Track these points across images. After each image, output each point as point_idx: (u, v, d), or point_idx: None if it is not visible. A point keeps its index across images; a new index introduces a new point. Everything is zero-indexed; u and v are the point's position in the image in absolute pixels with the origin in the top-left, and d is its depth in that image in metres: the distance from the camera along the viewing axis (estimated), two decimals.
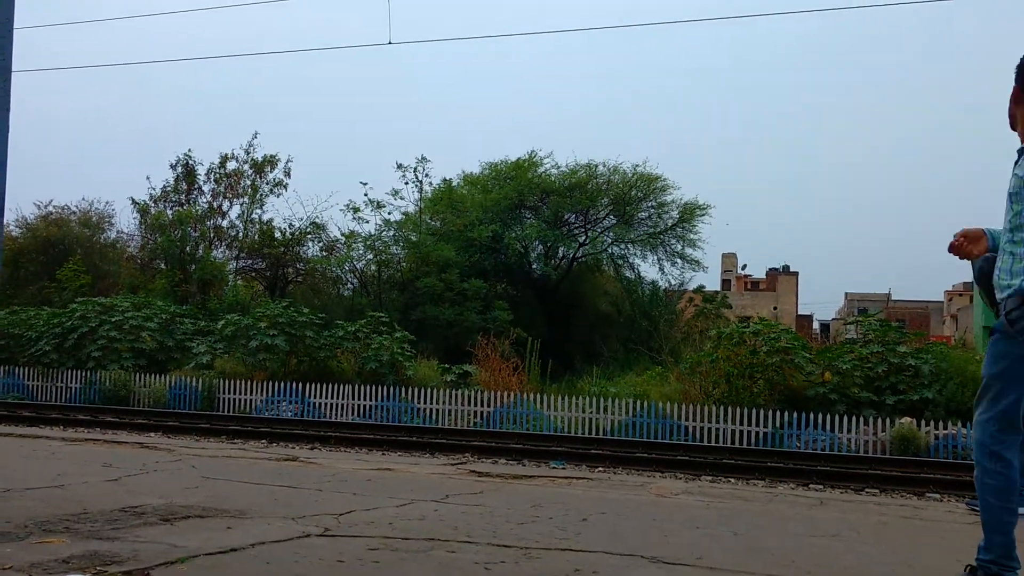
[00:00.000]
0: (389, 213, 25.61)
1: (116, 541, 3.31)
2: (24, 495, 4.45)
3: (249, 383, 16.07)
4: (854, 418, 12.35)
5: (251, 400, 15.90)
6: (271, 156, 26.12)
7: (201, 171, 25.76)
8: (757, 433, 12.69)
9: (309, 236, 26.42)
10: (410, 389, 15.14)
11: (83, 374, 17.27)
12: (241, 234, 26.17)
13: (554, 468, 9.11)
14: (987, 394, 3.00)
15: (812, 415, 12.51)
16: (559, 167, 26.57)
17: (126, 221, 33.01)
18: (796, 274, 58.74)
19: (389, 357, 16.23)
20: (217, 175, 25.72)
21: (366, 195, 25.61)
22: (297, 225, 26.18)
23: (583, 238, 26.73)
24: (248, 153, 25.91)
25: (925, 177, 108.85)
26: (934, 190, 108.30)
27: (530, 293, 26.39)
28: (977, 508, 5.68)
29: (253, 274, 27.07)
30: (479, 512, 4.53)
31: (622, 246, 27.28)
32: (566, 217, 26.64)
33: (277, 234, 26.12)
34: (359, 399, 15.22)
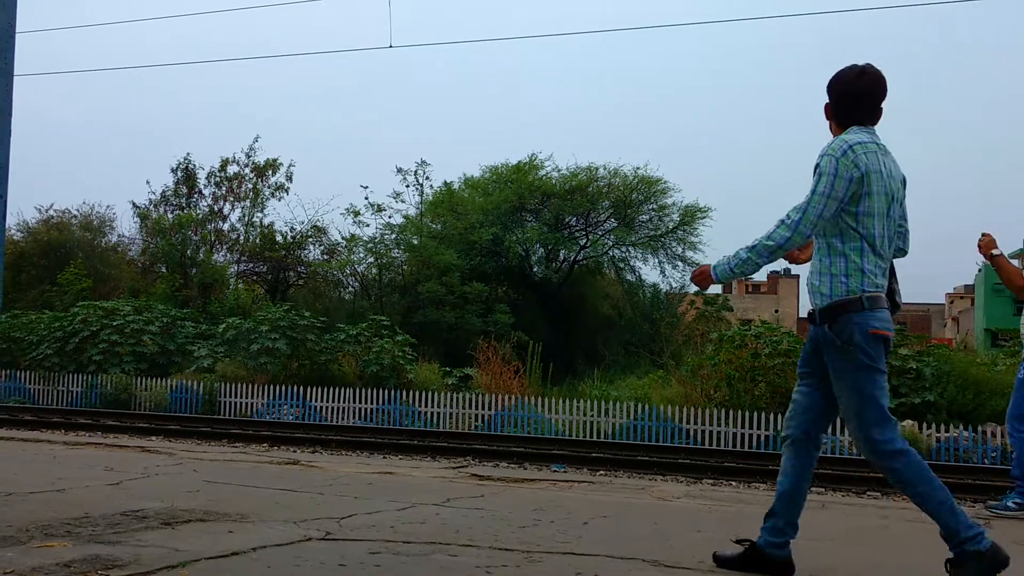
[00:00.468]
0: (390, 217, 25.65)
1: (118, 545, 3.31)
2: (26, 499, 4.45)
3: (250, 387, 16.08)
4: None
5: (252, 404, 15.90)
6: (272, 160, 26.18)
7: (201, 175, 25.81)
8: (759, 436, 12.68)
9: (310, 239, 26.46)
10: (411, 392, 15.14)
11: (84, 378, 17.27)
12: (242, 238, 26.20)
13: (555, 471, 9.11)
14: None
15: None
16: (559, 170, 26.61)
17: (127, 225, 33.03)
18: (797, 277, 58.77)
19: (390, 360, 16.23)
20: (218, 179, 25.76)
21: (367, 198, 25.68)
22: (298, 229, 26.25)
23: (584, 241, 26.73)
24: (249, 157, 25.96)
25: (925, 180, 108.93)
26: (934, 193, 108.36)
27: (531, 296, 26.39)
28: (998, 512, 5.65)
29: (254, 277, 27.08)
30: (480, 516, 4.53)
31: (623, 249, 27.29)
32: (567, 220, 26.65)
33: (278, 238, 26.15)
34: (360, 402, 15.22)
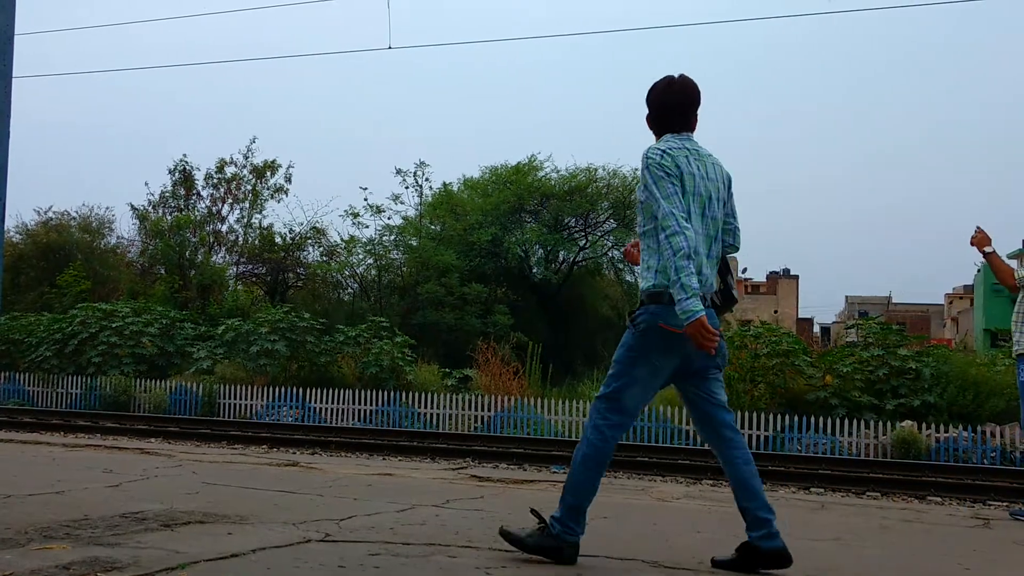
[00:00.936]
0: (389, 218, 25.64)
1: (117, 547, 3.31)
2: (25, 501, 4.44)
3: (250, 388, 16.07)
4: (855, 421, 12.34)
5: (252, 405, 15.89)
6: (271, 161, 26.17)
7: (199, 176, 25.81)
8: (758, 437, 12.68)
9: (309, 241, 26.45)
10: (411, 394, 15.13)
11: (83, 380, 17.26)
12: (241, 239, 26.19)
13: (555, 472, 9.10)
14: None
15: (813, 419, 12.50)
16: (559, 171, 26.58)
17: (126, 226, 33.01)
18: (796, 277, 58.87)
19: (390, 362, 16.23)
20: (215, 180, 25.75)
21: (366, 200, 25.64)
22: (297, 230, 26.24)
23: (583, 242, 26.72)
24: (247, 158, 25.95)
25: (925, 181, 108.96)
26: (935, 194, 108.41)
27: (530, 297, 26.38)
28: (1020, 518, 5.66)
29: (253, 279, 27.07)
30: (480, 517, 4.53)
31: (622, 250, 27.26)
32: (566, 221, 26.64)
33: (277, 239, 26.14)
34: (360, 404, 15.21)
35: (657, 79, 3.51)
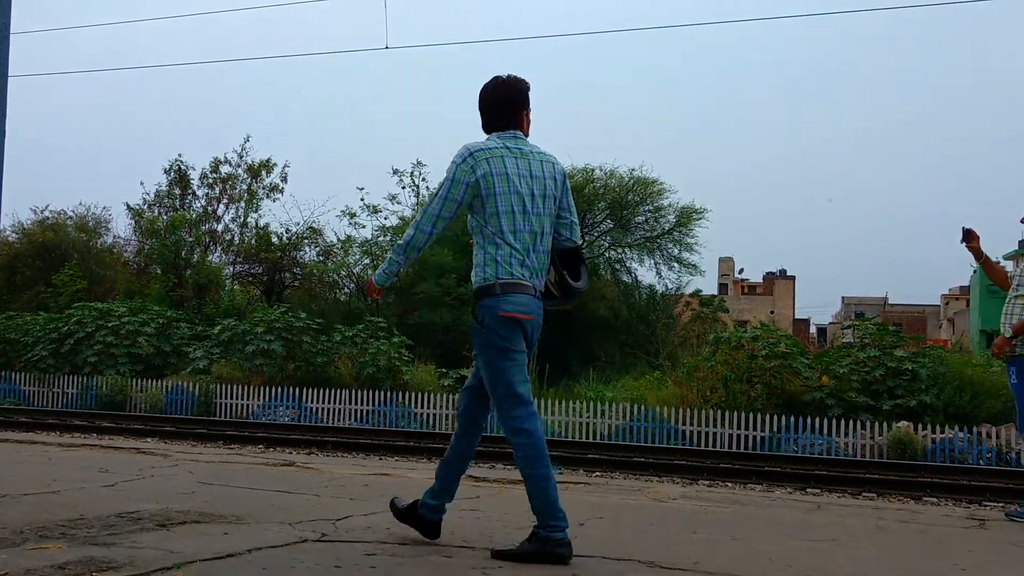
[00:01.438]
0: (385, 218, 25.63)
1: (112, 547, 3.30)
2: (20, 501, 4.43)
3: (246, 388, 16.05)
4: (851, 422, 12.35)
5: (248, 405, 15.88)
6: (266, 161, 26.15)
7: (194, 175, 25.77)
8: (754, 437, 12.69)
9: (306, 241, 26.43)
10: (407, 394, 15.13)
11: (79, 379, 17.23)
12: (236, 238, 26.16)
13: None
14: None
15: (809, 419, 12.51)
16: None
17: (122, 226, 32.91)
18: (793, 278, 58.87)
19: (386, 362, 16.22)
20: (211, 179, 25.72)
21: (362, 200, 25.62)
22: (294, 230, 26.22)
23: (580, 242, 26.70)
24: (241, 157, 25.92)
25: (922, 181, 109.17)
26: (930, 194, 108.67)
27: None
28: (1019, 518, 5.69)
29: (250, 279, 27.05)
30: (476, 517, 4.54)
31: (619, 250, 27.27)
32: None
33: (274, 239, 26.12)
34: (356, 404, 15.20)
35: (486, 81, 3.60)
